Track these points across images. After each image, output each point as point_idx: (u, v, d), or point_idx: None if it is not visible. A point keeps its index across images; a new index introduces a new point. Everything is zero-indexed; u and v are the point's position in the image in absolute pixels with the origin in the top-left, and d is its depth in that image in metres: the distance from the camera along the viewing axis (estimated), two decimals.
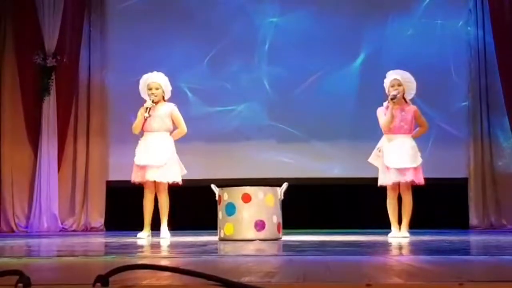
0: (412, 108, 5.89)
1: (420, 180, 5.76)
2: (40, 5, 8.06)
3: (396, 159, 5.74)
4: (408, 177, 5.71)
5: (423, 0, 8.33)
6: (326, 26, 8.31)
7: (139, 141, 6.03)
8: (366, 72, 8.12)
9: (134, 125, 6.03)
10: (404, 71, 5.92)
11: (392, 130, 5.82)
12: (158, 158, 5.89)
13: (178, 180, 5.99)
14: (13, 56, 8.13)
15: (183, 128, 6.14)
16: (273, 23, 8.41)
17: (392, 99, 5.75)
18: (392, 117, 5.77)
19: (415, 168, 5.74)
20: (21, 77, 8.08)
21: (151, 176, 5.89)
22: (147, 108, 5.90)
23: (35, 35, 8.05)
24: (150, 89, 5.99)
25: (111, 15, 8.52)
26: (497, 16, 8.03)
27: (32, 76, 8.07)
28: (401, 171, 5.73)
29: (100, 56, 8.40)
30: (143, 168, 5.90)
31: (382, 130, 5.87)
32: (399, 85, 5.83)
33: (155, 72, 6.08)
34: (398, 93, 5.79)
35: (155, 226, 6.03)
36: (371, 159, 5.95)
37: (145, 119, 5.93)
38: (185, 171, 6.09)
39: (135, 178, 5.96)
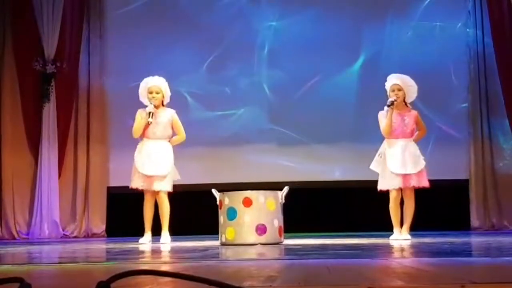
0: (413, 113, 5.91)
1: (425, 183, 5.77)
2: (39, 12, 8.06)
3: (400, 165, 5.74)
4: (412, 183, 5.73)
5: (422, 2, 8.33)
6: (325, 29, 8.31)
7: (139, 147, 6.01)
8: (366, 74, 8.12)
9: (134, 129, 5.99)
10: (405, 75, 5.91)
11: (394, 135, 5.82)
12: (162, 168, 5.90)
13: (171, 188, 6.01)
14: (13, 63, 8.13)
15: (183, 134, 6.14)
16: (272, 26, 8.41)
17: (389, 105, 5.77)
18: (391, 122, 5.77)
19: (418, 173, 5.75)
20: (21, 84, 8.09)
21: (156, 186, 5.90)
22: (149, 113, 5.87)
23: (35, 42, 8.05)
24: (150, 92, 5.97)
25: (110, 21, 8.53)
26: (496, 18, 8.04)
27: (32, 82, 8.07)
28: (404, 176, 5.74)
29: (99, 62, 8.40)
30: (148, 177, 5.90)
31: (383, 134, 5.87)
32: (399, 89, 5.83)
33: (156, 76, 6.07)
34: (397, 99, 5.79)
35: (156, 232, 6.02)
36: (373, 166, 5.94)
37: (147, 125, 5.90)
38: (179, 177, 6.09)
39: (137, 185, 5.93)
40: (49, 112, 8.04)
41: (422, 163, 5.79)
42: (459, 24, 8.27)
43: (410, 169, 5.73)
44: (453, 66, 8.19)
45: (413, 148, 5.83)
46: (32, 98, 8.08)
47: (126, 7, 8.52)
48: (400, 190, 5.80)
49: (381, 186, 5.84)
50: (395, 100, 5.78)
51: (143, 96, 6.06)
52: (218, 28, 8.38)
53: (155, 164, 5.90)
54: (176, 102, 6.33)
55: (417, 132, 5.95)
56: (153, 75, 6.11)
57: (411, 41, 8.23)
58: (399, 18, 8.32)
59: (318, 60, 8.23)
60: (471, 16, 8.20)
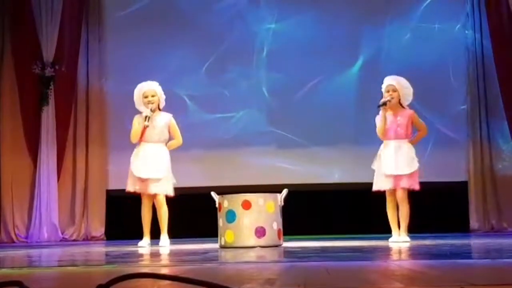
0: (408, 112, 5.86)
1: (415, 186, 5.72)
2: (38, 15, 8.06)
3: (392, 165, 5.73)
4: (403, 184, 5.70)
5: (421, 5, 8.33)
6: (324, 32, 8.31)
7: (135, 150, 6.01)
8: (365, 77, 8.12)
9: (132, 135, 5.99)
10: (401, 77, 5.91)
11: (387, 136, 5.82)
12: (157, 171, 5.90)
13: (171, 192, 6.00)
14: (12, 66, 8.13)
15: (180, 139, 6.15)
16: (271, 29, 8.41)
17: (380, 105, 5.76)
18: (384, 123, 5.77)
19: (410, 174, 5.72)
20: (20, 87, 8.08)
21: (152, 189, 5.90)
22: (146, 117, 5.88)
23: (34, 45, 8.05)
24: (146, 97, 5.96)
25: (109, 24, 8.53)
26: (494, 20, 8.04)
27: (31, 86, 8.07)
28: (396, 177, 5.73)
29: (98, 65, 8.40)
30: (143, 180, 5.90)
31: (379, 136, 5.87)
32: (394, 90, 5.82)
33: (149, 81, 6.08)
34: (391, 99, 5.78)
35: (155, 235, 6.02)
36: (373, 165, 5.94)
37: (144, 128, 5.90)
38: (175, 181, 6.07)
39: (132, 188, 5.93)
40: (48, 115, 8.04)
41: (415, 165, 5.75)
42: (458, 26, 8.27)
43: (402, 170, 5.70)
44: (452, 68, 8.19)
45: (407, 149, 5.78)
46: (31, 101, 8.07)
47: (125, 10, 8.52)
48: (394, 192, 5.79)
49: (374, 187, 5.85)
50: (389, 101, 5.77)
51: (138, 102, 6.03)
52: (217, 31, 8.38)
53: (151, 167, 5.89)
54: (175, 105, 6.32)
55: (416, 133, 5.93)
56: (152, 78, 6.11)
57: (410, 43, 8.23)
58: (398, 20, 8.32)
59: (317, 62, 8.24)
60: (469, 18, 8.20)
